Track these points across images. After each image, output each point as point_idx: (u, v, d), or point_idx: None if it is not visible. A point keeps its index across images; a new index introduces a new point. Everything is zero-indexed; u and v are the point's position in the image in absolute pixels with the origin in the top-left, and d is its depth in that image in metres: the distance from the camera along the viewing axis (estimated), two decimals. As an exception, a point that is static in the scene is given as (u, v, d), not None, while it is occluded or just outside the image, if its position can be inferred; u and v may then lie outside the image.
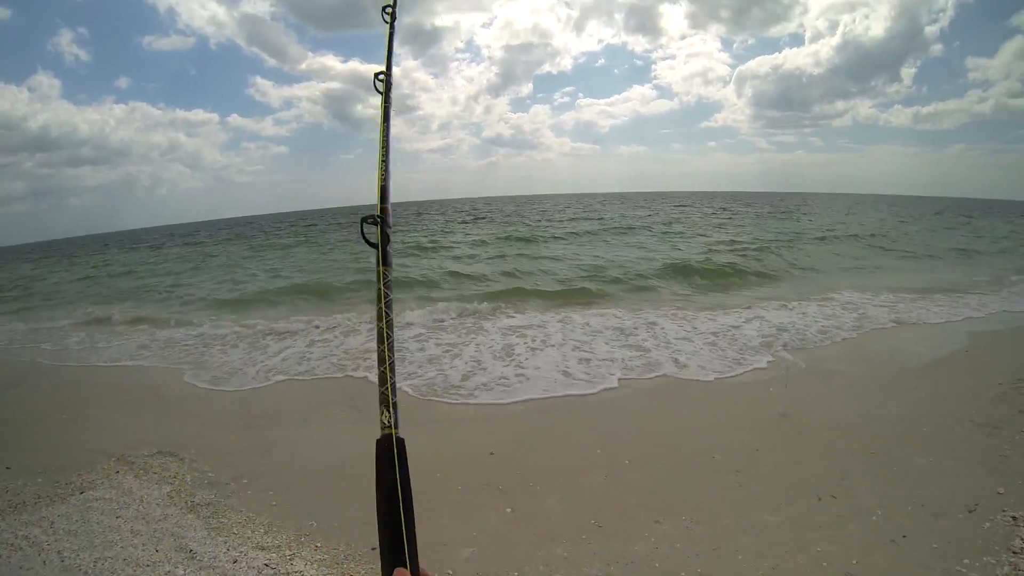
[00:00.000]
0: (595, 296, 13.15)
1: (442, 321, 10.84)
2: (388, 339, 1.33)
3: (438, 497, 4.30)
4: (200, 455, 5.24)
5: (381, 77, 1.75)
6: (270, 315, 12.38)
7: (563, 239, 26.30)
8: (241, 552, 3.68)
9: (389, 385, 1.28)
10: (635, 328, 9.67)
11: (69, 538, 3.87)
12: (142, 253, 36.40)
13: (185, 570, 3.50)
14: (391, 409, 1.26)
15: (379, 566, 1.09)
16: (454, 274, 16.76)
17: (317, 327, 10.76)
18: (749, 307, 11.31)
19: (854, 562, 3.42)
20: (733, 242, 23.08)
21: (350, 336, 9.97)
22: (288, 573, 3.47)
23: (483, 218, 47.61)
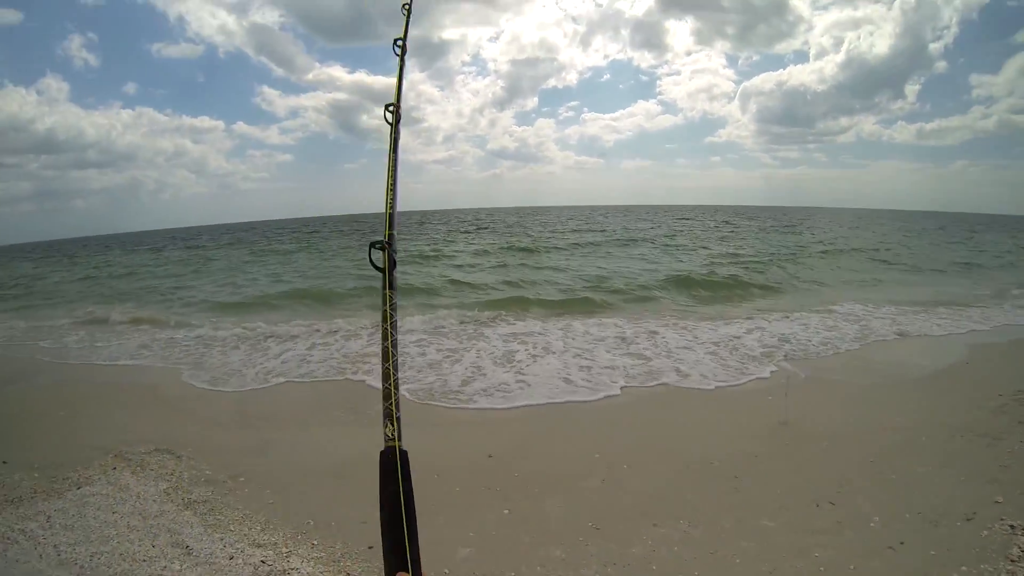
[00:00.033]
0: (597, 306, 13.15)
1: (443, 327, 10.84)
2: (392, 357, 1.37)
3: (436, 498, 4.30)
4: (198, 453, 5.24)
5: (391, 108, 1.78)
6: (271, 318, 12.40)
7: (565, 250, 26.33)
8: (238, 549, 3.67)
9: (393, 400, 1.32)
10: (636, 337, 9.66)
11: (65, 532, 3.87)
12: (143, 255, 36.52)
13: (181, 566, 3.49)
14: (395, 423, 1.30)
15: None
16: (455, 282, 16.78)
17: (318, 331, 10.77)
18: (751, 318, 11.30)
19: (852, 568, 3.40)
20: (735, 255, 23.13)
21: (351, 340, 9.98)
22: (284, 570, 3.46)
23: (485, 228, 47.69)
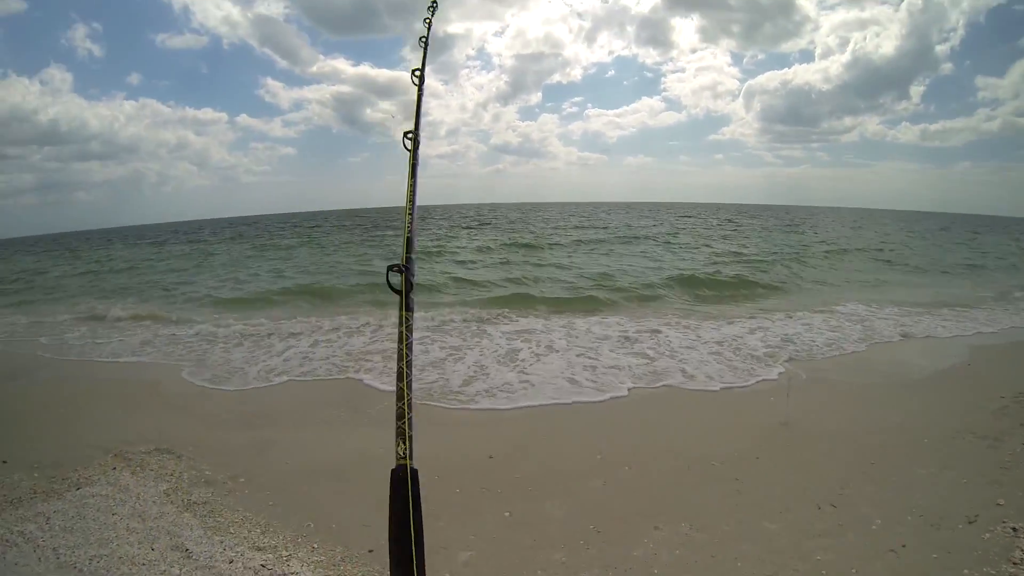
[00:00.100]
0: (600, 304, 13.12)
1: (446, 324, 10.82)
2: (407, 378, 1.37)
3: (436, 500, 4.27)
4: (198, 453, 5.23)
5: (410, 135, 1.77)
6: (273, 315, 12.39)
7: (567, 247, 26.30)
8: (238, 552, 3.66)
9: (407, 420, 1.31)
10: (640, 336, 9.65)
11: (65, 535, 3.86)
12: (145, 249, 36.53)
13: (181, 569, 3.48)
14: (407, 442, 1.30)
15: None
16: (458, 279, 16.76)
17: (320, 328, 10.77)
18: (754, 317, 11.29)
19: (853, 571, 3.39)
20: (738, 253, 23.09)
21: (353, 336, 9.98)
22: (285, 574, 3.45)
23: (488, 224, 47.65)
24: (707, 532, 3.87)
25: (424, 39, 2.09)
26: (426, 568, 1.15)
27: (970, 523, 3.82)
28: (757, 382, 7.24)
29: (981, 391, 6.57)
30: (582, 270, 18.46)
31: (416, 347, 6.72)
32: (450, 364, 8.10)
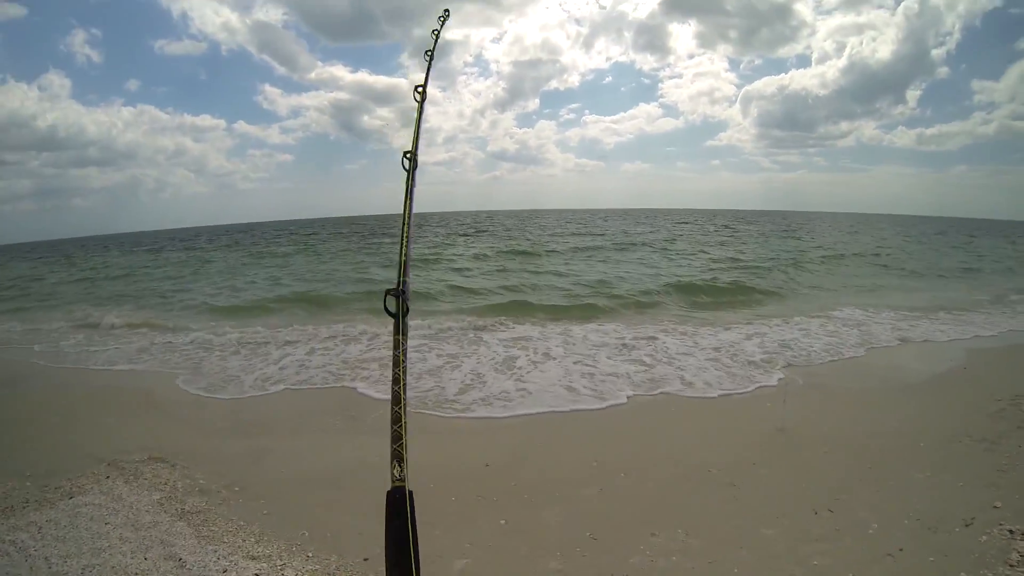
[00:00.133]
0: (596, 311, 13.10)
1: (443, 332, 10.80)
2: (403, 401, 1.38)
3: (432, 508, 4.26)
4: (192, 462, 5.20)
5: (408, 155, 1.76)
6: (269, 323, 12.37)
7: (564, 254, 26.30)
8: (232, 561, 3.63)
9: (403, 443, 1.32)
10: (636, 343, 9.63)
11: (57, 544, 3.82)
12: (141, 256, 36.53)
13: (174, 578, 3.45)
14: (402, 464, 1.31)
15: None
16: (454, 287, 16.73)
17: (316, 336, 10.74)
18: (751, 323, 11.28)
19: (851, 575, 3.38)
20: (735, 259, 23.13)
21: (350, 344, 9.95)
22: (278, 582, 3.42)
23: (484, 231, 47.67)
24: (704, 538, 3.85)
25: (429, 52, 2.08)
26: None
27: (967, 526, 3.81)
28: (756, 388, 7.22)
29: (978, 395, 6.58)
30: (579, 277, 18.44)
31: (413, 355, 6.71)
32: (447, 372, 8.07)
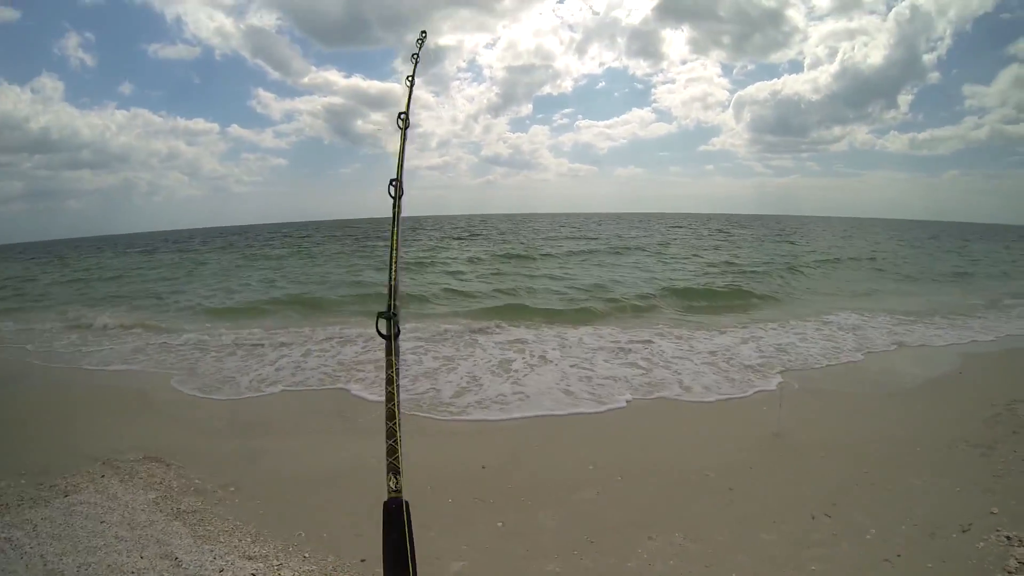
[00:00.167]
0: (592, 314, 13.10)
1: (438, 335, 10.77)
2: (397, 417, 1.42)
3: (428, 510, 4.24)
4: (188, 462, 5.17)
5: (394, 183, 1.79)
6: (265, 324, 12.31)
7: (559, 257, 26.32)
8: (228, 561, 3.61)
9: (399, 455, 1.36)
10: (633, 347, 9.62)
11: (52, 542, 3.80)
12: (135, 257, 36.42)
13: (169, 578, 3.43)
14: (398, 476, 1.34)
15: None
16: (449, 290, 16.72)
17: (312, 337, 10.71)
18: (746, 327, 11.30)
19: (849, 581, 3.38)
20: (730, 263, 23.17)
21: (346, 346, 9.92)
22: (275, 583, 3.41)
23: (479, 235, 47.66)
24: (701, 542, 3.85)
25: (410, 77, 2.10)
26: None
27: (964, 532, 3.82)
28: (753, 393, 7.22)
29: (974, 399, 6.61)
30: (574, 281, 18.44)
31: (408, 357, 6.73)
32: (443, 374, 8.05)
